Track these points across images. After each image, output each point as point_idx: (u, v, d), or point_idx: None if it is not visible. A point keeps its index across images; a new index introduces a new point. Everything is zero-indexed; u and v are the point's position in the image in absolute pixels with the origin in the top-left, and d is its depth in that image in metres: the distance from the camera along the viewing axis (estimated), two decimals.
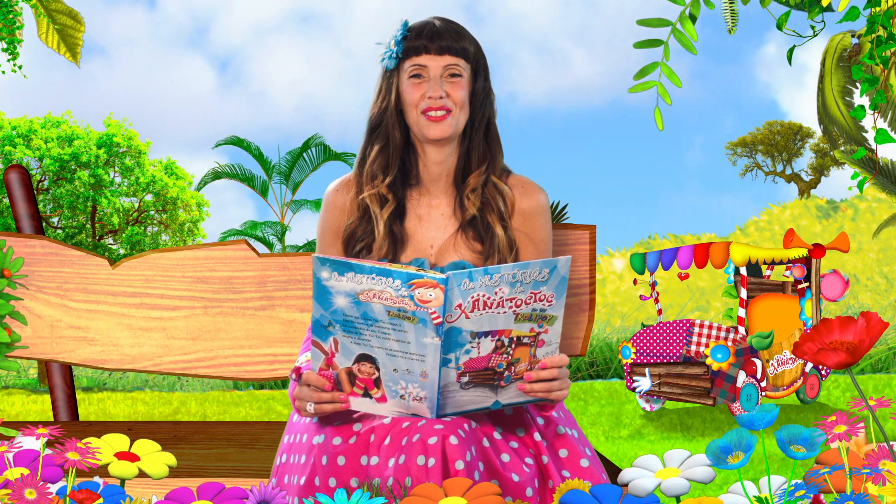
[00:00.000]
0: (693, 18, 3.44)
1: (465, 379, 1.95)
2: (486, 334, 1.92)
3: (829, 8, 3.50)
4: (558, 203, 14.76)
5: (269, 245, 20.15)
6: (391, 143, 2.25)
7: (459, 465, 1.91)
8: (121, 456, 1.77)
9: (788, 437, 1.69)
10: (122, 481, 1.78)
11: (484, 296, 1.89)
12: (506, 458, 2.02)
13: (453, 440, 1.93)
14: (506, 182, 2.29)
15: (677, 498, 1.74)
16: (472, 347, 1.93)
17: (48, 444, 1.86)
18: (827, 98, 8.88)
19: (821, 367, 9.73)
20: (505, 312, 1.91)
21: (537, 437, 2.09)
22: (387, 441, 1.99)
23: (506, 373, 1.97)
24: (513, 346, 1.95)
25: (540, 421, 2.12)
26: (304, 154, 20.49)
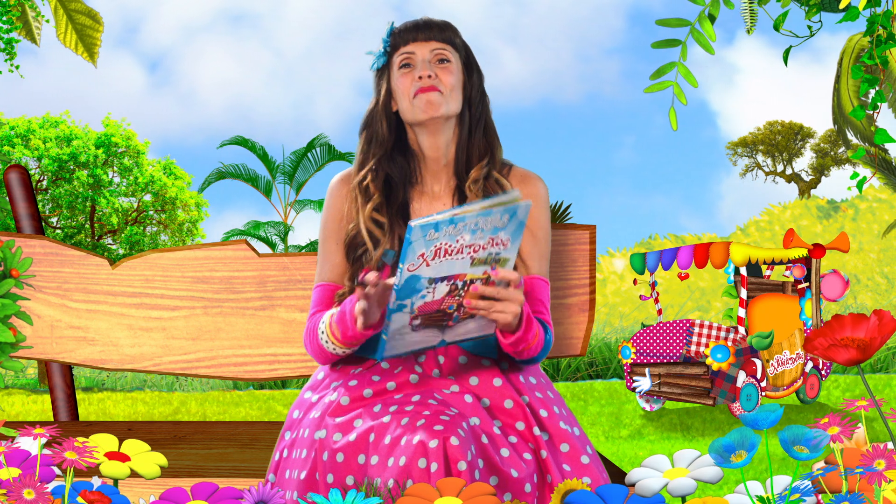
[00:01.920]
0: (712, 18, 3.43)
1: (417, 322, 1.98)
2: (442, 279, 1.94)
3: (851, 7, 3.49)
4: (561, 203, 14.76)
5: (272, 245, 20.15)
6: (376, 137, 2.26)
7: (462, 465, 1.91)
8: (111, 456, 1.76)
9: (792, 437, 1.69)
10: (116, 481, 1.78)
11: (446, 244, 1.90)
12: (505, 453, 2.02)
13: (454, 441, 1.93)
14: (507, 175, 2.29)
15: (683, 498, 1.74)
16: (428, 293, 1.94)
17: (47, 443, 1.86)
18: (843, 98, 8.89)
19: (821, 367, 9.73)
20: (462, 258, 1.93)
21: (537, 431, 2.09)
22: (386, 440, 1.99)
23: (455, 314, 1.99)
24: (466, 288, 1.96)
25: (543, 412, 2.12)
26: (309, 154, 20.49)
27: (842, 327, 1.72)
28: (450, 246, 1.91)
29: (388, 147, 2.27)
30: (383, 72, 2.27)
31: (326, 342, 2.15)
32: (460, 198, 2.27)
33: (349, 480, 1.99)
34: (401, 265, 1.90)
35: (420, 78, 2.21)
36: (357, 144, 2.32)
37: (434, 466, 1.90)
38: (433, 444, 1.92)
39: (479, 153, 2.28)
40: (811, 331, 1.74)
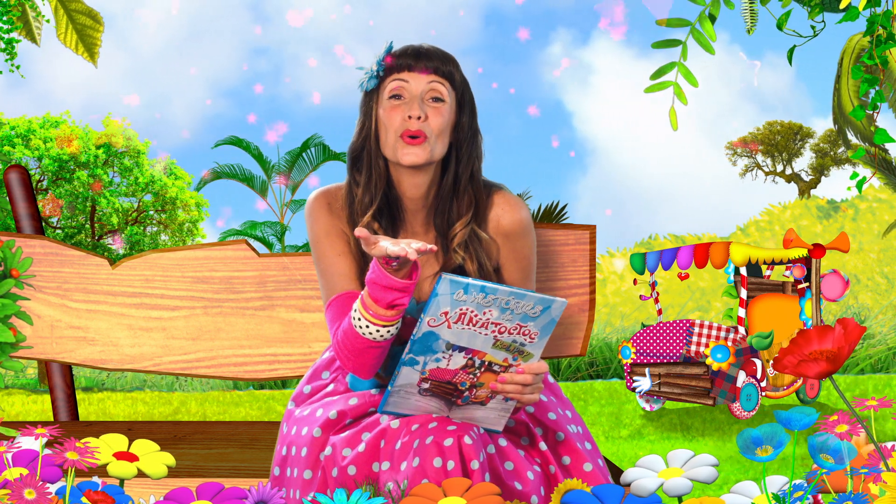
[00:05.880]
0: (713, 18, 3.43)
1: (426, 386, 1.95)
2: (460, 349, 1.91)
3: (850, 8, 3.48)
4: (557, 203, 14.74)
5: (269, 245, 20.15)
6: (375, 173, 2.15)
7: (475, 464, 1.91)
8: (119, 456, 1.77)
9: (821, 445, 1.69)
10: (122, 481, 1.78)
11: (472, 311, 1.87)
12: (510, 466, 2.01)
13: (468, 440, 1.92)
14: (490, 200, 2.21)
15: (679, 498, 1.74)
16: (443, 358, 1.91)
17: (48, 443, 1.85)
18: (843, 98, 8.88)
19: None
20: (486, 335, 1.89)
21: (543, 446, 2.08)
22: (397, 445, 1.97)
23: (466, 393, 1.96)
24: (482, 369, 1.93)
25: (538, 431, 2.11)
26: (304, 154, 20.50)
27: (808, 342, 1.72)
28: (475, 316, 1.87)
29: (385, 182, 2.16)
30: (372, 95, 2.16)
31: (361, 324, 1.98)
32: (444, 250, 2.18)
33: (366, 490, 1.98)
34: (422, 316, 1.87)
35: (409, 118, 2.10)
36: (350, 178, 2.19)
37: (451, 465, 1.89)
38: (448, 442, 1.91)
39: (464, 205, 2.17)
40: (782, 349, 1.73)
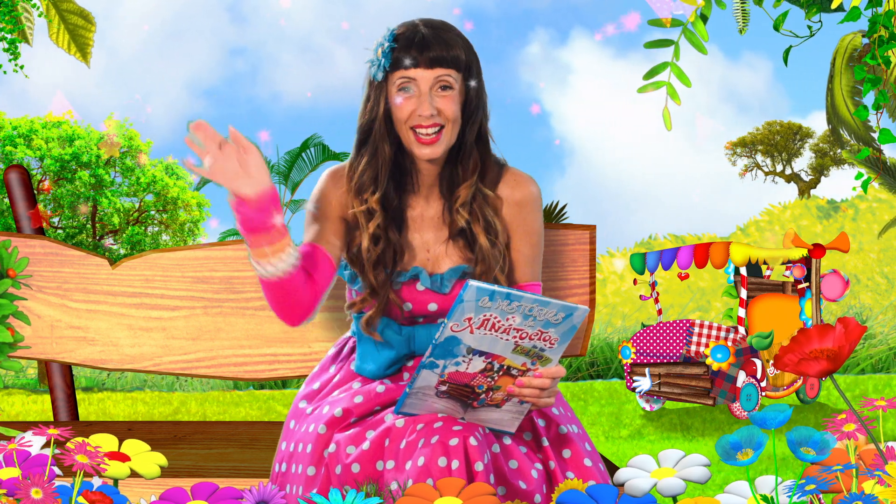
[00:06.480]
0: (704, 19, 3.43)
1: (443, 388, 1.96)
2: (480, 353, 1.92)
3: (841, 8, 3.50)
4: (557, 203, 14.74)
5: None
6: (380, 155, 2.18)
7: (479, 466, 1.91)
8: (111, 456, 1.77)
9: (799, 438, 1.70)
10: (116, 481, 1.78)
11: (495, 317, 1.88)
12: (514, 464, 2.02)
13: (473, 441, 1.93)
14: (500, 177, 2.23)
15: (674, 498, 1.74)
16: (463, 361, 1.93)
17: (50, 444, 1.86)
18: (836, 98, 8.89)
19: None
20: (507, 340, 1.91)
21: (545, 442, 2.09)
22: (402, 444, 1.98)
23: (482, 395, 1.98)
24: (500, 373, 1.95)
25: (541, 423, 2.11)
26: (303, 154, 20.51)
27: (809, 340, 1.72)
28: (498, 322, 1.89)
29: (391, 163, 2.19)
30: (381, 82, 2.17)
31: (254, 264, 2.06)
32: (449, 212, 2.21)
33: (369, 489, 1.99)
34: (445, 321, 1.89)
35: (421, 115, 2.12)
36: (355, 154, 2.22)
37: (455, 464, 1.89)
38: (454, 441, 1.91)
39: (471, 168, 2.19)
40: (783, 347, 1.73)
